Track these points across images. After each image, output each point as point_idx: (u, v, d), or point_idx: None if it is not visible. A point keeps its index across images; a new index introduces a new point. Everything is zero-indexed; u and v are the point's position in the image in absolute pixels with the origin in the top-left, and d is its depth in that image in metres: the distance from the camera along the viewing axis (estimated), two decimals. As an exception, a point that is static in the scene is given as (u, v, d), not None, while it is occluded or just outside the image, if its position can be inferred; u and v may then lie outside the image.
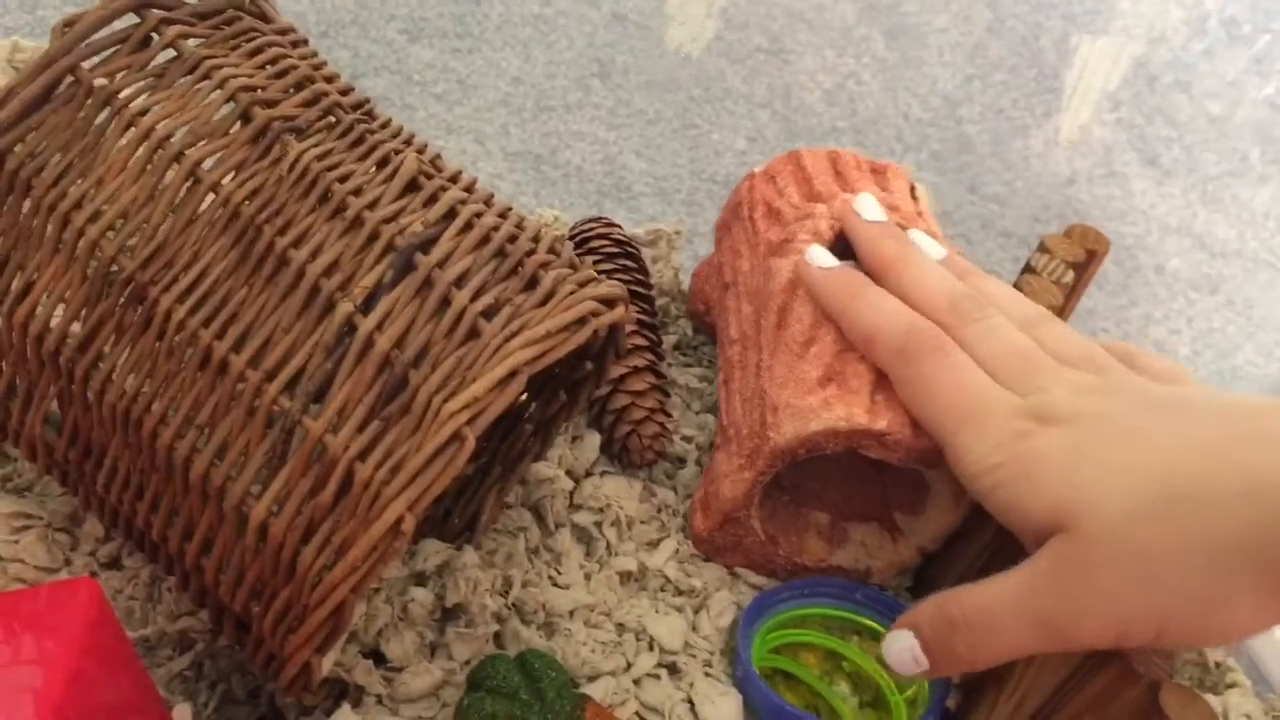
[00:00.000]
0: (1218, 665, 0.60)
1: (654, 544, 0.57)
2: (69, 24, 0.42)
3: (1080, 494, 0.42)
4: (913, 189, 0.61)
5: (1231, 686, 0.60)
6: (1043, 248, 0.62)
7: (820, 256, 0.55)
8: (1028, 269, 0.61)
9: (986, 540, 0.55)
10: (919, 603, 0.47)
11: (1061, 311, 0.60)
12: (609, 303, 0.44)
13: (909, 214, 0.58)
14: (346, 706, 0.47)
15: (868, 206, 0.56)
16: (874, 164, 0.61)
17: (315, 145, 0.44)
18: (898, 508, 0.57)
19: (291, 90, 0.45)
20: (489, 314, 0.41)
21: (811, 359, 0.52)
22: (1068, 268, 0.61)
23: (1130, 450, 0.43)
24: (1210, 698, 0.59)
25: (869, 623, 0.55)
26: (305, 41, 0.48)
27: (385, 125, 0.47)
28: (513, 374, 0.40)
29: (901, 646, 0.47)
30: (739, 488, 0.54)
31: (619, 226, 0.67)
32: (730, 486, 0.54)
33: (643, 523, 0.58)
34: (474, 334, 0.41)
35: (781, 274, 0.55)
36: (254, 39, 0.46)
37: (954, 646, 0.45)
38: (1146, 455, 0.42)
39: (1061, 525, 0.43)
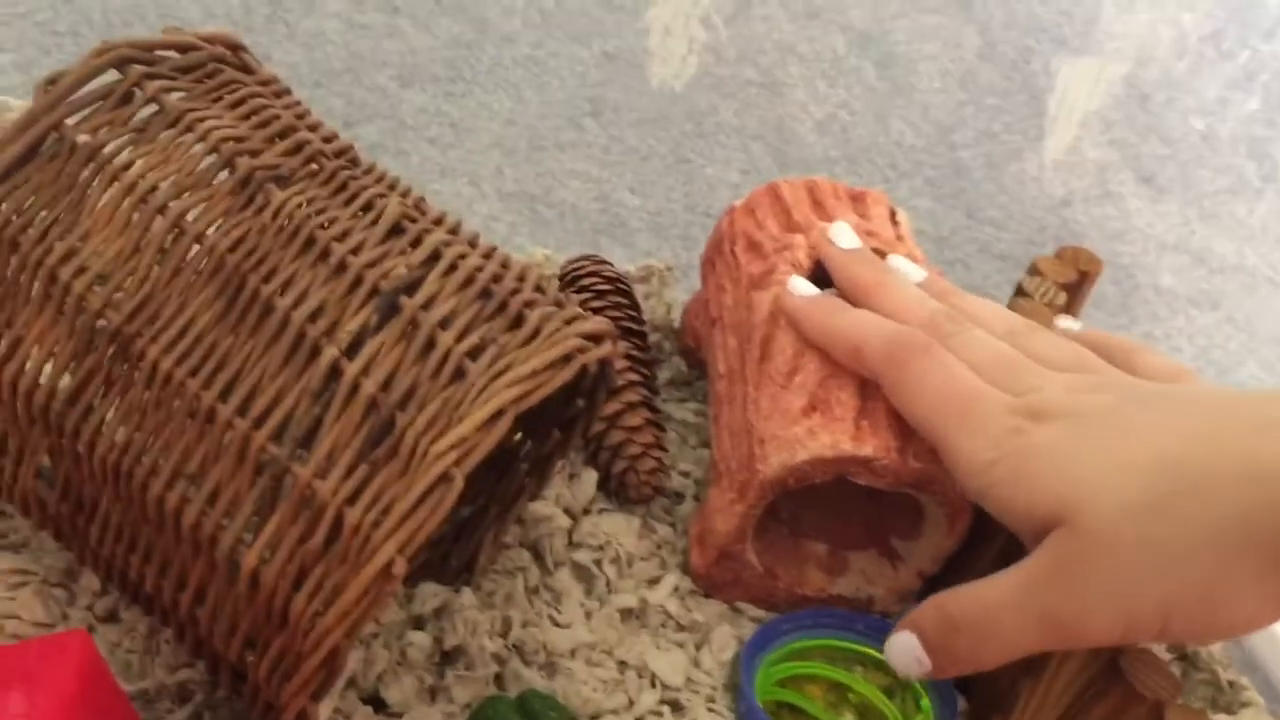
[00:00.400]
0: (1231, 684, 0.60)
1: (654, 580, 0.57)
2: (52, 81, 0.43)
3: (1079, 488, 0.42)
4: (893, 213, 0.61)
5: (1246, 705, 0.59)
6: (1034, 270, 0.62)
7: (801, 286, 0.55)
8: (1019, 292, 0.61)
9: (988, 564, 0.54)
10: (921, 603, 0.47)
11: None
12: (596, 339, 0.44)
13: (888, 239, 0.58)
14: (347, 754, 0.46)
15: (842, 234, 0.56)
16: (853, 191, 0.61)
17: (299, 193, 0.44)
18: (895, 533, 0.57)
19: (275, 139, 0.45)
20: (474, 354, 0.41)
21: (795, 389, 0.52)
22: (1059, 289, 0.61)
23: (1127, 442, 0.42)
24: (1224, 717, 0.59)
25: (873, 653, 0.54)
26: (288, 91, 0.49)
27: (369, 171, 0.47)
28: (500, 413, 0.40)
29: (904, 648, 0.46)
30: (732, 522, 0.53)
31: (609, 264, 0.67)
32: (724, 521, 0.54)
33: (642, 559, 0.58)
34: (460, 374, 0.41)
35: (763, 306, 0.55)
36: (236, 90, 0.46)
37: (955, 646, 0.45)
38: (1144, 446, 0.42)
39: (1061, 520, 0.42)
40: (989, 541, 0.55)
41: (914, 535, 0.56)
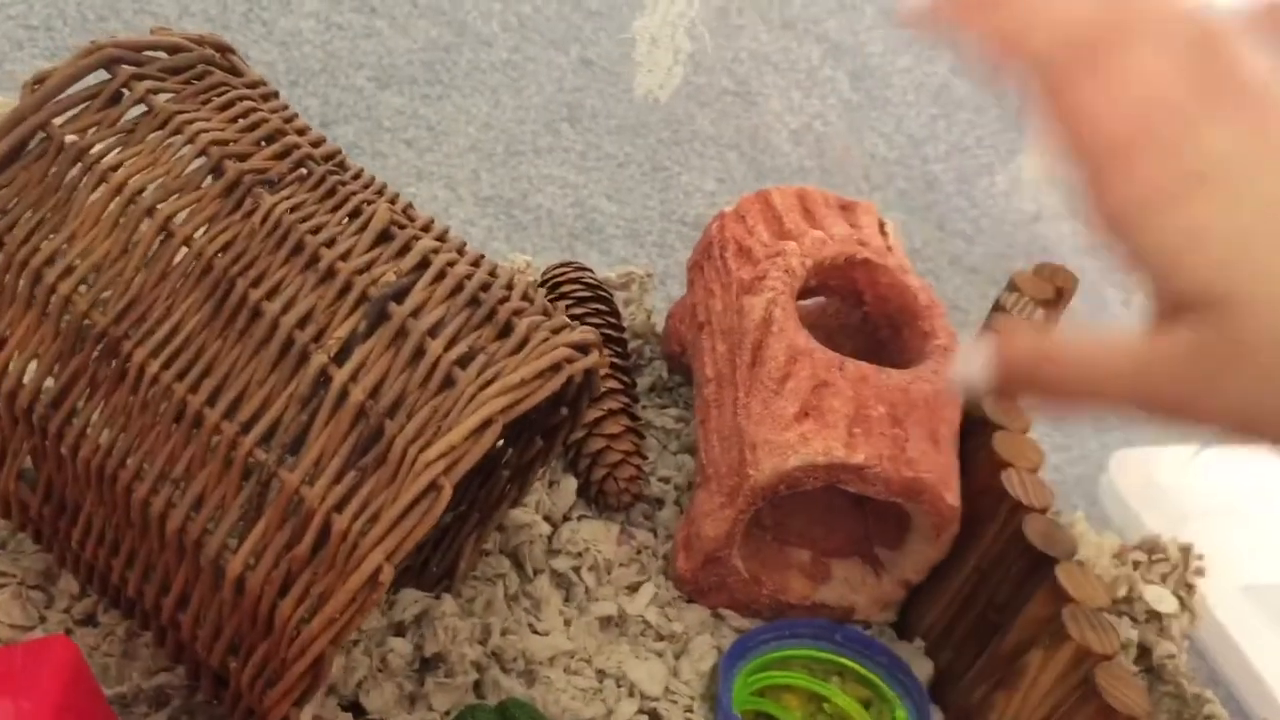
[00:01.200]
0: (1195, 697, 0.61)
1: (634, 588, 0.57)
2: (39, 81, 0.43)
3: (1251, 266, 0.36)
4: (881, 225, 0.61)
5: (1210, 718, 0.60)
6: (1012, 286, 0.62)
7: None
8: (998, 307, 0.62)
9: (968, 572, 0.55)
10: (1013, 334, 0.41)
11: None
12: (582, 349, 0.45)
13: (878, 249, 0.58)
14: (325, 760, 0.46)
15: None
16: (843, 200, 0.62)
17: (287, 198, 0.44)
18: (879, 542, 0.57)
19: (263, 143, 0.45)
20: (463, 363, 0.41)
21: (788, 394, 0.52)
22: (1037, 305, 0.61)
23: None
24: (1189, 729, 0.60)
25: (850, 664, 0.55)
26: (276, 94, 0.49)
27: (357, 176, 0.47)
28: (488, 422, 0.40)
29: (976, 352, 0.41)
30: (720, 526, 0.54)
31: (590, 270, 0.67)
32: (712, 526, 0.54)
33: (622, 565, 0.58)
34: (449, 383, 0.41)
35: (755, 312, 0.55)
36: (225, 93, 0.46)
37: (1037, 373, 0.39)
38: None
39: (1215, 298, 0.36)
40: (959, 566, 0.55)
41: (898, 545, 0.56)
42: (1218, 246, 0.37)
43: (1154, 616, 0.63)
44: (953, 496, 0.52)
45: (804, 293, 0.58)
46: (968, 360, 0.41)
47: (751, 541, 0.56)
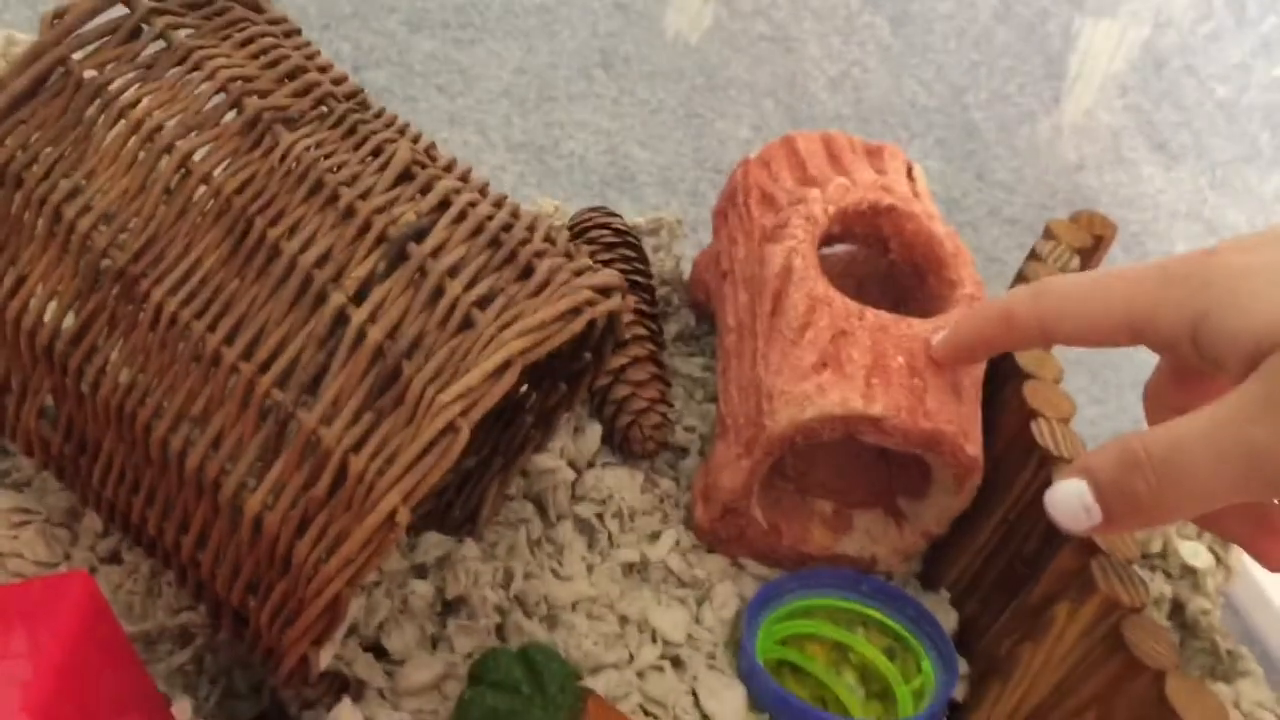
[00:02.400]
0: (1230, 654, 0.60)
1: (656, 535, 0.57)
2: (58, 15, 0.42)
3: None
4: (909, 169, 0.60)
5: (1243, 675, 0.59)
6: (1048, 234, 0.61)
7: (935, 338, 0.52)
8: (1033, 255, 0.60)
9: (995, 523, 0.54)
10: (1095, 449, 0.42)
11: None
12: (605, 291, 0.44)
13: (904, 195, 0.57)
14: (347, 700, 0.46)
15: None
16: (869, 145, 0.60)
17: (307, 135, 0.43)
18: (901, 493, 0.56)
19: (284, 80, 0.45)
20: (483, 304, 0.41)
21: (806, 345, 0.51)
22: (1074, 254, 0.60)
23: None
24: (1221, 686, 0.59)
25: (875, 614, 0.54)
26: (298, 31, 0.48)
27: (379, 115, 0.46)
28: (507, 364, 0.39)
29: (1070, 493, 0.41)
30: (738, 477, 0.53)
31: (619, 216, 0.67)
32: (729, 476, 0.54)
33: (645, 514, 0.58)
34: (468, 324, 0.40)
35: (775, 260, 0.54)
36: (245, 29, 0.45)
37: (1135, 489, 0.39)
38: None
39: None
40: (986, 517, 0.54)
41: (921, 495, 0.55)
42: (1266, 297, 0.37)
43: (1189, 572, 0.62)
44: (974, 447, 0.51)
45: (828, 240, 0.57)
46: (1060, 500, 0.42)
47: (773, 492, 0.56)
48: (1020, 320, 0.46)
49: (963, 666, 0.54)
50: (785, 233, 0.55)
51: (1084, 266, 0.61)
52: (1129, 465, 0.39)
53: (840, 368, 0.50)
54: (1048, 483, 0.49)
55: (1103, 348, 0.44)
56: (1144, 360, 0.44)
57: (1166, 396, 0.46)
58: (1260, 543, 0.43)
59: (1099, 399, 0.80)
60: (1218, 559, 0.63)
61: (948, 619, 0.56)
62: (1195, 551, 0.63)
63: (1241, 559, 0.65)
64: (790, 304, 0.53)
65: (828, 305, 0.52)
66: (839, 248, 0.61)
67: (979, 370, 0.53)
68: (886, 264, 0.59)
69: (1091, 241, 0.61)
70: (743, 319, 0.56)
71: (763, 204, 0.58)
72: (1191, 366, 0.43)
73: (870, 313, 0.52)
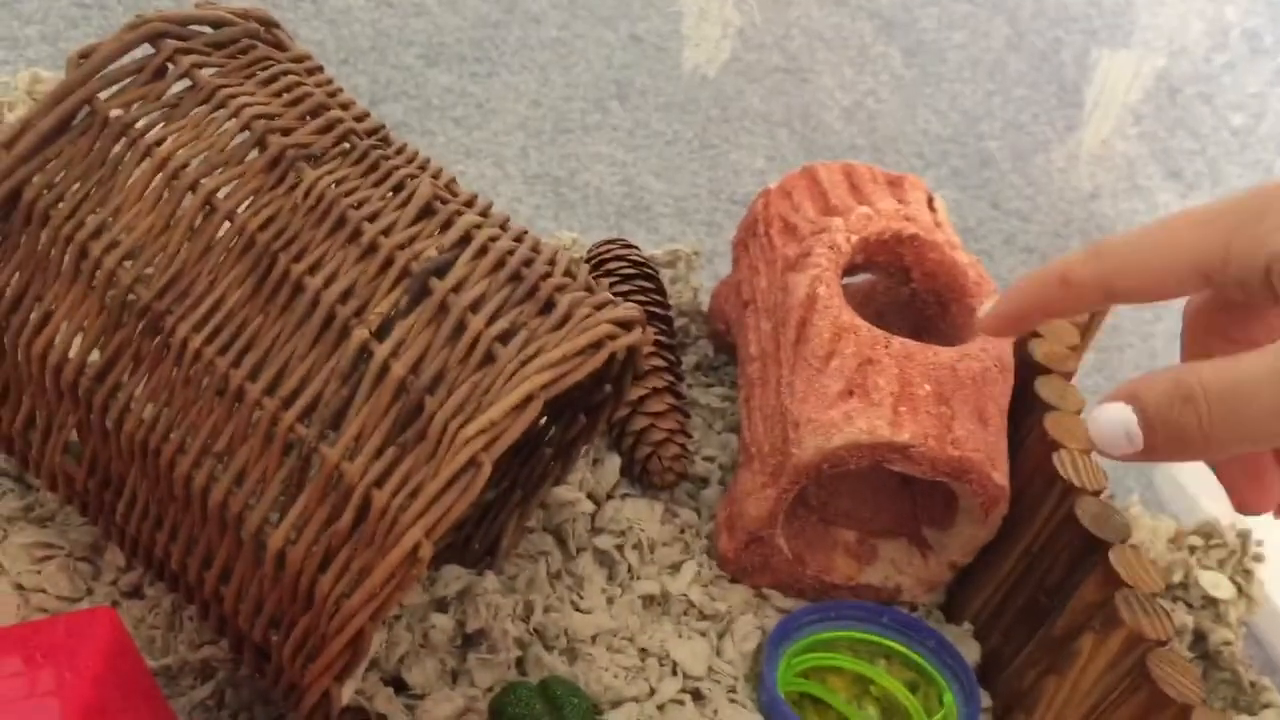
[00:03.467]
0: (1253, 685, 0.60)
1: (676, 567, 0.57)
2: (84, 55, 0.43)
3: None
4: (930, 199, 0.60)
5: (1267, 706, 0.59)
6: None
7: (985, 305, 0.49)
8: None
9: (1018, 555, 0.54)
10: (1143, 376, 0.40)
11: (1087, 328, 0.59)
12: (626, 325, 0.44)
13: (926, 225, 0.57)
14: (368, 735, 0.46)
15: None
16: (890, 176, 0.60)
17: (330, 172, 0.44)
18: (926, 523, 0.56)
19: (306, 118, 0.45)
20: (505, 338, 0.41)
21: (832, 373, 0.51)
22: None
23: None
24: (1245, 718, 0.58)
25: (896, 646, 0.54)
26: (320, 69, 0.49)
27: (400, 151, 0.47)
28: (529, 399, 0.39)
29: (1114, 418, 0.39)
30: (763, 506, 0.53)
31: (636, 248, 0.67)
32: (755, 505, 0.54)
33: (665, 545, 0.58)
34: (490, 359, 0.40)
35: (799, 289, 0.54)
36: (269, 67, 0.46)
37: (1186, 422, 0.37)
38: None
39: None
40: (1009, 549, 0.54)
41: (947, 525, 0.55)
42: None
43: (1210, 603, 0.62)
44: (1001, 476, 0.51)
45: (850, 269, 0.57)
46: (1103, 423, 0.40)
47: (796, 521, 0.56)
48: (1079, 280, 0.43)
49: (985, 699, 0.54)
50: (809, 261, 0.55)
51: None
52: (1183, 399, 0.38)
53: (867, 395, 0.50)
54: (1071, 514, 0.49)
55: (1168, 299, 0.42)
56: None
57: (1213, 322, 0.44)
58: (1241, 486, 0.43)
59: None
60: (1239, 590, 0.63)
61: (970, 651, 0.56)
62: (1216, 582, 0.62)
63: (1264, 589, 0.64)
64: (815, 332, 0.53)
65: (853, 333, 0.52)
66: (859, 277, 0.61)
67: (1005, 399, 0.53)
68: (908, 293, 0.59)
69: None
70: (766, 347, 0.57)
71: (785, 233, 0.58)
72: (1256, 303, 0.41)
73: (897, 341, 0.52)
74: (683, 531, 0.59)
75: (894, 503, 0.57)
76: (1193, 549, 0.64)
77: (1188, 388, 0.38)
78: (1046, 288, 0.45)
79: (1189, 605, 0.62)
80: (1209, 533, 0.65)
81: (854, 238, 0.56)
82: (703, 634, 0.55)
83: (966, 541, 0.54)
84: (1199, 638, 0.61)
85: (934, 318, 0.59)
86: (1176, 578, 0.62)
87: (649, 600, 0.55)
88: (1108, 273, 0.42)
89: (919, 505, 0.57)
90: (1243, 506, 0.43)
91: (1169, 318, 0.98)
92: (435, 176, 0.46)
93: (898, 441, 0.49)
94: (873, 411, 0.50)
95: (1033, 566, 0.53)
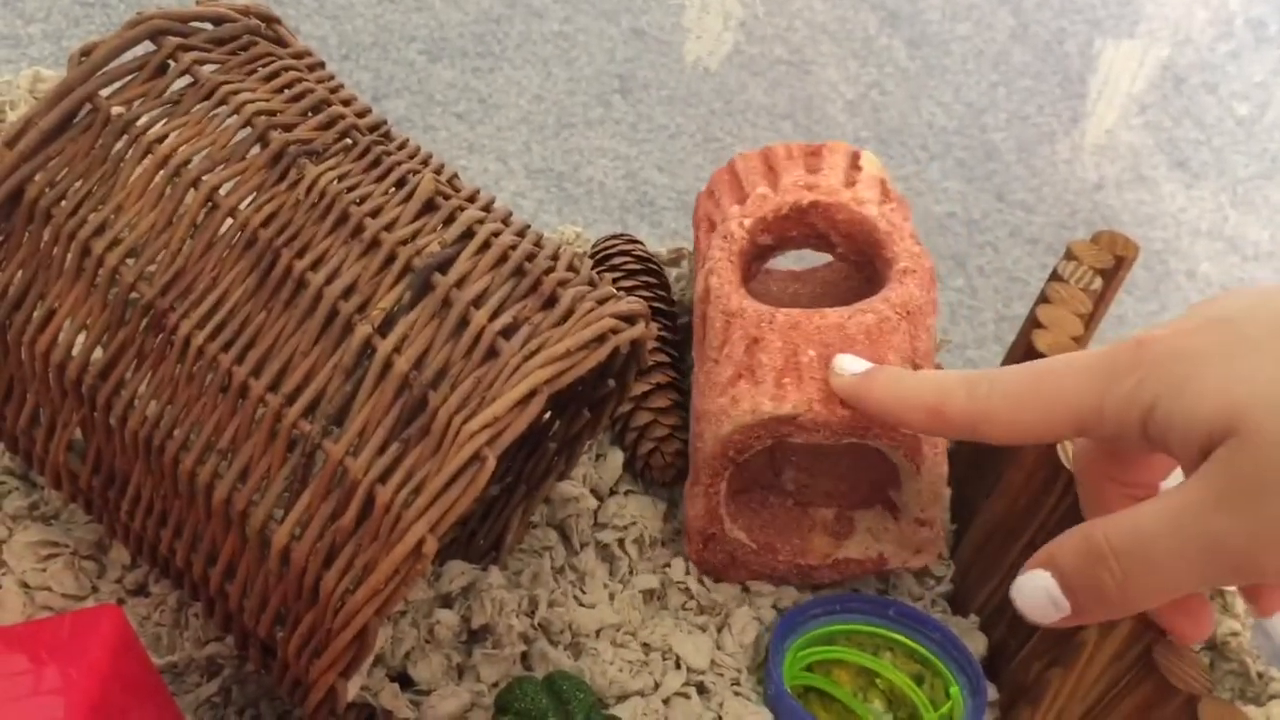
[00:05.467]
0: (1260, 676, 0.59)
1: (672, 562, 0.57)
2: (86, 53, 0.43)
3: (1250, 388, 0.36)
4: (855, 159, 0.58)
5: (1275, 697, 0.59)
6: (1070, 255, 0.61)
7: (848, 363, 0.49)
8: (1055, 277, 0.60)
9: (1023, 547, 0.54)
10: (1057, 538, 0.41)
11: (1091, 318, 0.59)
12: (629, 319, 0.44)
13: (830, 189, 0.56)
14: (374, 730, 0.46)
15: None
16: (809, 147, 0.59)
17: (332, 168, 0.43)
18: (892, 485, 0.55)
19: (308, 114, 0.45)
20: (508, 333, 0.41)
21: (724, 360, 0.51)
22: (1096, 274, 0.60)
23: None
24: (1252, 709, 0.58)
25: (902, 639, 0.54)
26: (322, 65, 0.48)
27: (402, 146, 0.47)
28: (532, 393, 0.39)
29: (1036, 586, 0.40)
30: (698, 504, 0.54)
31: (640, 243, 0.67)
32: (692, 505, 0.54)
33: (664, 542, 0.58)
34: (493, 354, 0.40)
35: (698, 285, 0.54)
36: (270, 63, 0.46)
37: (1102, 582, 0.38)
38: None
39: (1231, 429, 0.36)
40: (1014, 541, 0.54)
41: (898, 483, 0.55)
42: (1210, 382, 0.37)
43: (1217, 593, 0.62)
44: None
45: (763, 252, 0.57)
46: (1027, 593, 0.41)
47: (766, 510, 0.56)
48: (952, 417, 0.44)
49: (991, 692, 0.54)
50: (707, 255, 0.55)
51: (1106, 286, 0.61)
52: (1094, 558, 0.39)
53: (753, 375, 0.50)
54: (1075, 506, 0.49)
55: (1040, 444, 0.43)
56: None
57: (1105, 470, 0.45)
58: (1176, 622, 0.44)
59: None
60: (1247, 580, 0.63)
61: (976, 644, 0.56)
62: (1224, 573, 0.62)
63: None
64: (709, 324, 0.53)
65: (740, 317, 0.51)
66: (819, 265, 0.61)
67: (917, 343, 0.51)
68: (863, 262, 0.58)
69: (1113, 261, 0.61)
70: (695, 350, 0.57)
71: (709, 233, 0.58)
72: (1137, 452, 0.43)
73: (781, 313, 0.51)
74: (679, 532, 0.59)
75: (870, 473, 0.56)
76: (1199, 540, 0.64)
77: (1096, 546, 0.39)
78: (914, 411, 0.46)
79: (1195, 596, 0.62)
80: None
81: (747, 221, 0.55)
82: (702, 628, 0.55)
83: (918, 495, 0.53)
84: (1205, 629, 0.61)
85: (871, 278, 0.58)
86: (1183, 569, 0.62)
87: (649, 594, 0.55)
88: (981, 416, 0.43)
89: (887, 471, 0.56)
90: (1182, 638, 0.44)
91: (1174, 307, 0.98)
92: (438, 172, 0.46)
93: (783, 414, 0.49)
94: (757, 390, 0.50)
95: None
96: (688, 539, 0.56)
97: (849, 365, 0.49)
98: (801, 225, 0.56)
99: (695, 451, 0.53)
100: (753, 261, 0.57)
